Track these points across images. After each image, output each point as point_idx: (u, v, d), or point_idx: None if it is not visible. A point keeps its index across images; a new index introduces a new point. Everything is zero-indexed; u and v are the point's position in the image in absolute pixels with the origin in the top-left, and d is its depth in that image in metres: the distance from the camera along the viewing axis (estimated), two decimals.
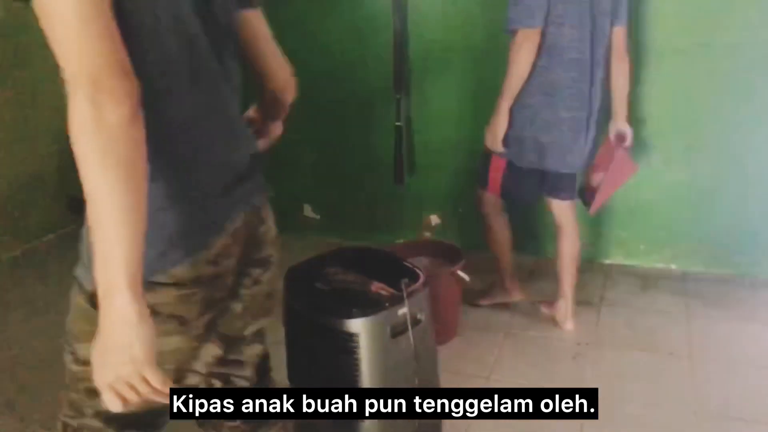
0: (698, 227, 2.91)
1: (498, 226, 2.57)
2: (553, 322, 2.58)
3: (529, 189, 2.49)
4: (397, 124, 3.06)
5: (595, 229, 3.04)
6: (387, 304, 1.65)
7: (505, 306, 2.71)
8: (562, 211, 2.50)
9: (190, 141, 1.02)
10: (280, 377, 1.89)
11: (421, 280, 1.74)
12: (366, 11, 3.07)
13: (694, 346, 2.43)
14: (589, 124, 2.34)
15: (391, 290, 1.69)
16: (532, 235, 3.05)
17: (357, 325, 1.61)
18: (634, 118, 2.59)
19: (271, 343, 2.01)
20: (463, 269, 2.41)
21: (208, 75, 1.04)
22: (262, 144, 1.28)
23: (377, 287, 1.72)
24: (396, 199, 3.28)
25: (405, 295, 1.65)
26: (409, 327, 1.66)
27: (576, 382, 2.25)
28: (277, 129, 1.37)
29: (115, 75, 0.83)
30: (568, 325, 2.56)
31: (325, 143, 3.35)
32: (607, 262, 3.09)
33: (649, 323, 2.59)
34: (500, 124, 2.32)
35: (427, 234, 3.28)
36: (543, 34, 2.20)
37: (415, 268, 1.79)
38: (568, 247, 2.52)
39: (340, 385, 1.67)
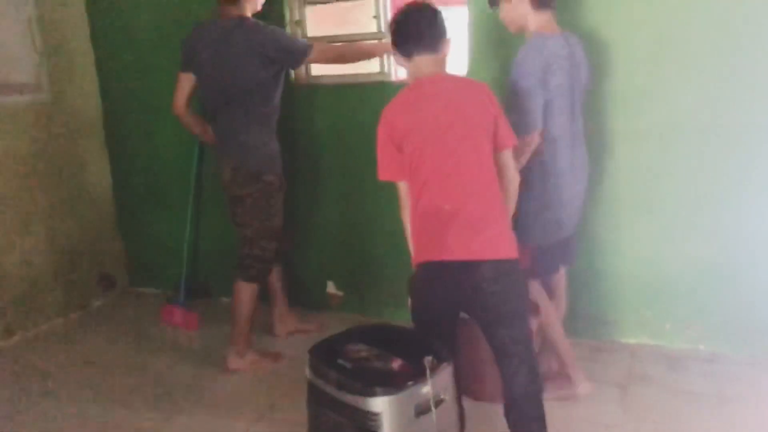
0: (725, 306, 2.86)
1: (552, 314, 2.53)
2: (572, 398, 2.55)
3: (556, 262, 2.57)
4: None
5: (618, 307, 3.01)
6: (410, 383, 1.64)
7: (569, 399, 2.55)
8: (562, 277, 2.65)
9: None
10: None
11: (445, 358, 1.73)
12: None
13: None
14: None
15: (414, 368, 1.69)
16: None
17: (380, 404, 1.61)
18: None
19: (293, 424, 1.96)
20: None
21: None
22: None
23: (400, 365, 1.72)
24: None
25: (428, 373, 1.65)
26: (432, 407, 1.65)
27: None
28: None
29: None
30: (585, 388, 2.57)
31: (348, 220, 3.40)
32: (632, 341, 3.04)
33: (678, 407, 2.52)
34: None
35: None
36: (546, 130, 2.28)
37: (440, 347, 1.79)
38: (562, 311, 2.65)
39: None
